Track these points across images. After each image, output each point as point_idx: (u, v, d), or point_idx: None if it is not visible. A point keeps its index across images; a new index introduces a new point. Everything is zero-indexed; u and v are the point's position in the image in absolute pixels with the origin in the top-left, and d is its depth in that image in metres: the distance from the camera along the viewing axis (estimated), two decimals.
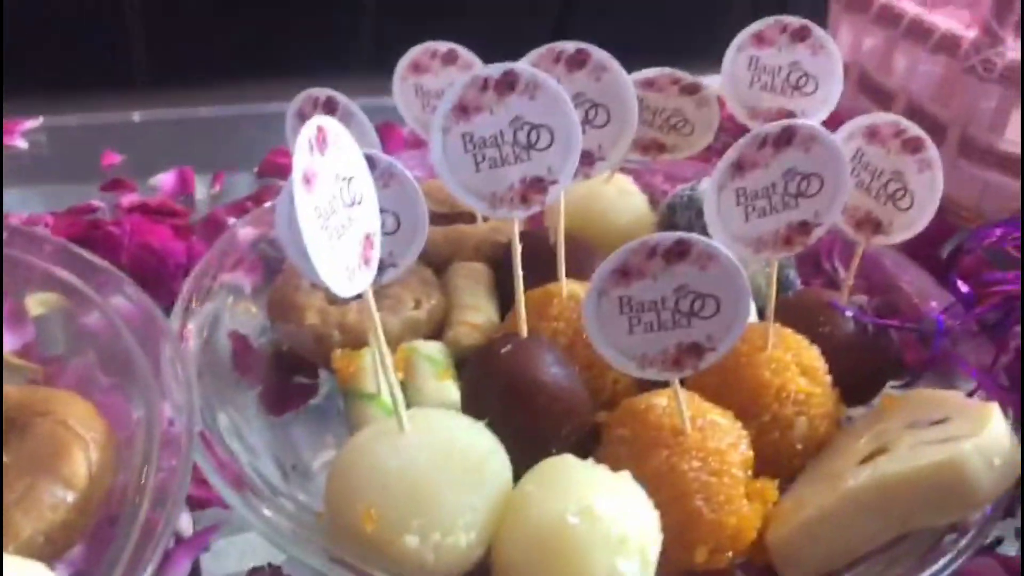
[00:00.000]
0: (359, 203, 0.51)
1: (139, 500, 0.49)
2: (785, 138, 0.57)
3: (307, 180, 0.46)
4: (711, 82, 0.77)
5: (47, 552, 0.47)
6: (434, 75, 0.76)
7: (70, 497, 0.49)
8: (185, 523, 0.61)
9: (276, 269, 0.74)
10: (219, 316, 0.70)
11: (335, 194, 0.49)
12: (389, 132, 1.04)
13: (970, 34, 0.96)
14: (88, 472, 0.50)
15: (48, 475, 0.49)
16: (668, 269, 0.53)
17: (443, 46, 0.74)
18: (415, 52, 0.75)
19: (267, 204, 0.78)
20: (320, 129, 0.48)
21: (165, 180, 0.98)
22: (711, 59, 0.78)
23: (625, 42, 0.70)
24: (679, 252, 0.52)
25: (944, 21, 1.03)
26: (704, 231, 0.74)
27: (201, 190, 1.00)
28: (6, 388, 0.54)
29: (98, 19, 1.71)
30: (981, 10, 0.98)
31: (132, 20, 1.70)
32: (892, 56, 1.09)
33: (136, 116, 1.16)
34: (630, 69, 0.70)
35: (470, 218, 0.79)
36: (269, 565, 0.60)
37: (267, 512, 0.53)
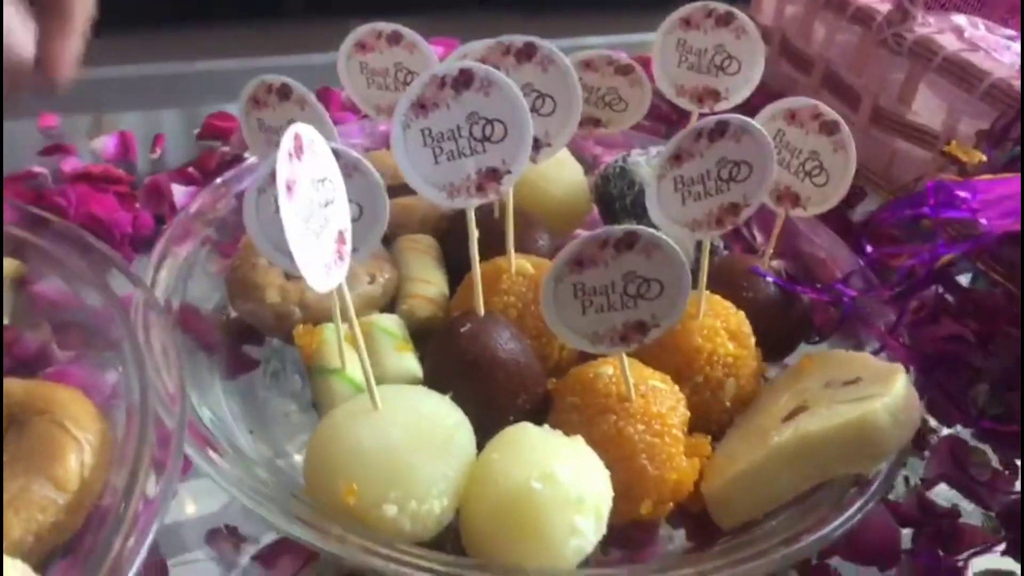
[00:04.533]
0: (332, 203, 0.54)
1: (128, 501, 0.48)
2: (719, 131, 0.62)
3: (289, 188, 0.49)
4: None
5: (36, 550, 0.49)
6: (379, 53, 0.78)
7: (61, 499, 0.50)
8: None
9: (222, 242, 0.77)
10: (175, 290, 0.72)
11: (312, 197, 0.52)
12: (328, 96, 1.05)
13: (884, 8, 1.03)
14: (80, 475, 0.51)
15: (41, 477, 0.50)
16: (618, 257, 0.58)
17: (388, 27, 0.76)
18: (361, 32, 0.77)
19: (218, 181, 0.80)
20: (297, 137, 0.51)
21: (106, 144, 0.97)
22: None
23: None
24: (628, 243, 0.57)
25: None
26: (635, 199, 0.80)
27: (141, 152, 1.00)
28: (10, 382, 0.55)
29: None
30: None
31: None
32: (812, 24, 1.15)
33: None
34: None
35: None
36: (226, 527, 0.62)
37: (239, 475, 0.56)
